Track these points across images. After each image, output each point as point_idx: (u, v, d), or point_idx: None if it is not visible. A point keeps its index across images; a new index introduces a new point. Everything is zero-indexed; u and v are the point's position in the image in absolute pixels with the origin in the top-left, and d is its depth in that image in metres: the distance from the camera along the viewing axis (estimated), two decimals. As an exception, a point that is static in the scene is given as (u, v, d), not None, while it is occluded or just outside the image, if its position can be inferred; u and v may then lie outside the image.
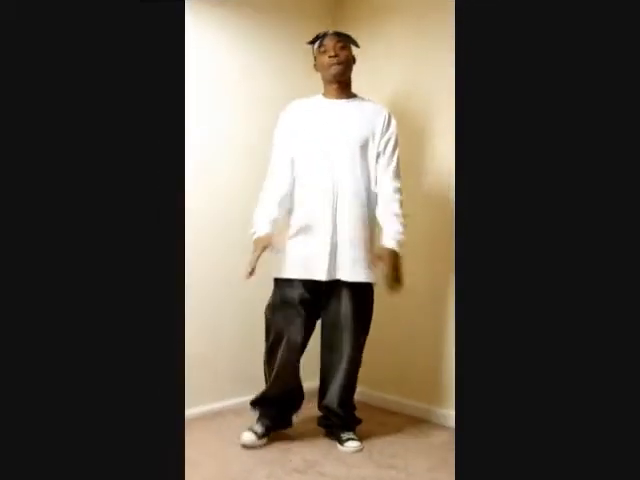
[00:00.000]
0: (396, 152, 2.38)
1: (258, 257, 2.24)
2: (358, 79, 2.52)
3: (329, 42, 2.35)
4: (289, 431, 2.48)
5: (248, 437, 2.33)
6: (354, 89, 2.48)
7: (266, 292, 2.58)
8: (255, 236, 2.30)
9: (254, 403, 2.45)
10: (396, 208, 2.32)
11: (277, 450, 2.32)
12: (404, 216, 2.33)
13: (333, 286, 2.34)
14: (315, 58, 2.43)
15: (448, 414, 2.65)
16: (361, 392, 2.80)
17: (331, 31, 2.40)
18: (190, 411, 2.64)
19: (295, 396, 2.45)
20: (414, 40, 2.80)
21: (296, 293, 2.33)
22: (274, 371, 2.38)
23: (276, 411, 2.41)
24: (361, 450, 2.36)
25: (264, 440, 2.36)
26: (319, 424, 2.52)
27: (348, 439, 2.38)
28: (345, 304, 2.35)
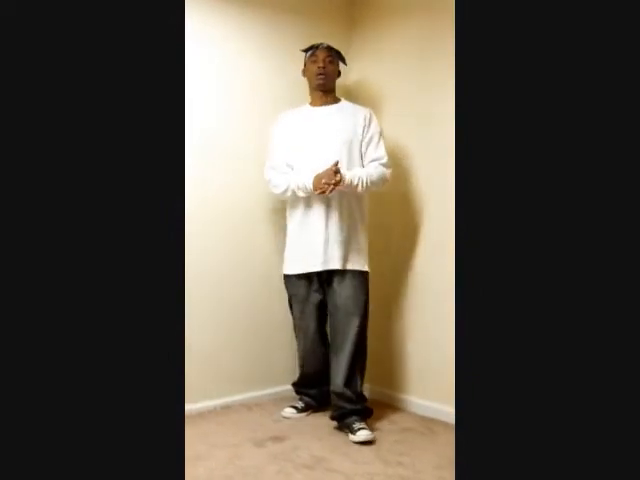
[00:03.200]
0: (381, 143, 2.60)
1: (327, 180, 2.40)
2: (371, 76, 2.54)
3: (320, 54, 2.62)
4: (298, 426, 2.53)
5: (288, 410, 2.72)
6: (373, 90, 2.66)
7: (270, 288, 2.81)
8: (309, 181, 2.47)
9: (294, 384, 2.82)
10: (375, 169, 2.54)
11: (286, 446, 2.36)
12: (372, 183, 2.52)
13: (331, 275, 2.56)
14: (305, 64, 2.69)
15: (454, 413, 2.67)
16: (370, 389, 2.85)
17: (325, 44, 2.63)
18: (202, 404, 2.70)
19: (325, 373, 2.68)
20: (427, 40, 2.81)
21: (300, 285, 2.62)
22: (299, 358, 2.76)
23: (314, 390, 2.75)
24: (373, 440, 2.42)
25: (304, 414, 2.73)
26: (331, 418, 2.59)
27: (360, 428, 2.45)
28: (342, 290, 2.55)
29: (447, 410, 2.70)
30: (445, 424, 2.65)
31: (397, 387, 2.89)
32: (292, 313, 2.73)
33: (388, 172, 2.59)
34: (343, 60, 2.70)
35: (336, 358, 2.57)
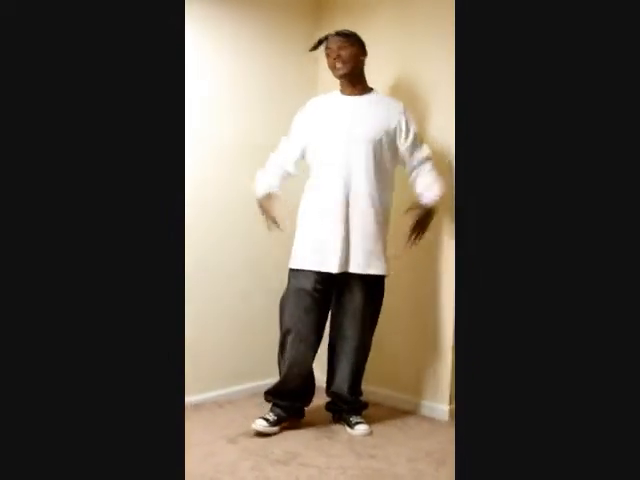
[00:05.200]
0: (417, 139, 2.50)
1: (268, 216, 2.53)
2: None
3: (332, 44, 2.44)
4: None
5: (260, 423, 2.40)
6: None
7: (262, 283, 2.79)
8: (256, 196, 2.54)
9: (268, 393, 2.53)
10: (431, 170, 2.48)
11: (259, 442, 2.35)
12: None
13: (346, 277, 2.43)
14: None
15: (429, 405, 2.69)
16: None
17: (333, 32, 2.45)
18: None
19: (307, 390, 2.54)
20: (400, 30, 2.81)
21: (309, 282, 2.41)
22: (286, 366, 2.46)
23: (289, 403, 2.48)
24: (370, 433, 2.47)
25: (276, 428, 2.43)
26: (327, 409, 2.63)
27: (357, 423, 2.50)
28: (358, 295, 2.46)
29: (422, 403, 2.71)
30: (420, 417, 2.66)
31: (369, 380, 2.89)
32: (285, 313, 2.46)
33: (433, 165, 2.52)
34: (358, 39, 2.46)
35: (340, 362, 2.55)
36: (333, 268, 2.38)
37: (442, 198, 2.48)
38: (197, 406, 2.70)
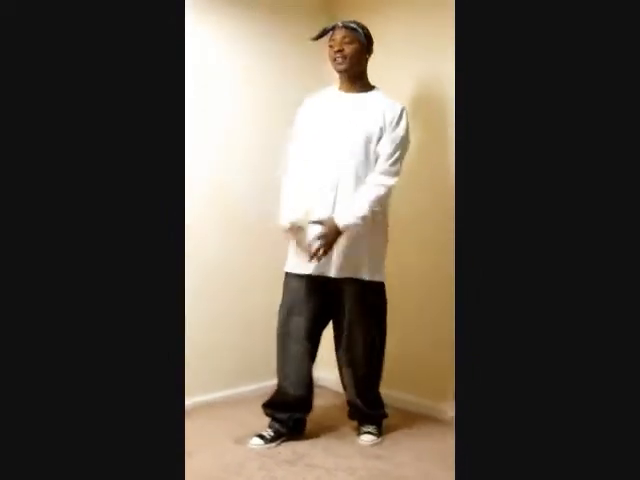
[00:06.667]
0: (399, 151, 2.30)
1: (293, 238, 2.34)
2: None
3: (337, 35, 2.30)
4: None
5: (255, 441, 2.34)
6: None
7: (265, 282, 2.73)
8: (282, 226, 2.35)
9: (265, 405, 2.46)
10: (372, 195, 2.25)
11: (268, 442, 2.37)
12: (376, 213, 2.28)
13: (335, 282, 2.32)
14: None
15: (435, 406, 2.69)
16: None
17: (340, 24, 2.31)
18: (186, 401, 2.69)
19: (307, 398, 2.44)
20: (410, 33, 2.79)
21: (300, 285, 2.35)
22: (279, 371, 2.43)
23: (288, 415, 2.39)
24: (376, 444, 2.40)
25: (274, 444, 2.35)
26: (349, 417, 2.54)
27: (365, 432, 2.43)
28: (348, 301, 2.34)
29: (426, 403, 2.72)
30: (424, 417, 2.67)
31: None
32: (281, 316, 2.41)
33: (389, 184, 2.27)
34: (369, 39, 2.33)
35: (345, 370, 2.46)
36: (309, 270, 2.29)
37: (360, 225, 2.24)
38: (205, 406, 2.73)
